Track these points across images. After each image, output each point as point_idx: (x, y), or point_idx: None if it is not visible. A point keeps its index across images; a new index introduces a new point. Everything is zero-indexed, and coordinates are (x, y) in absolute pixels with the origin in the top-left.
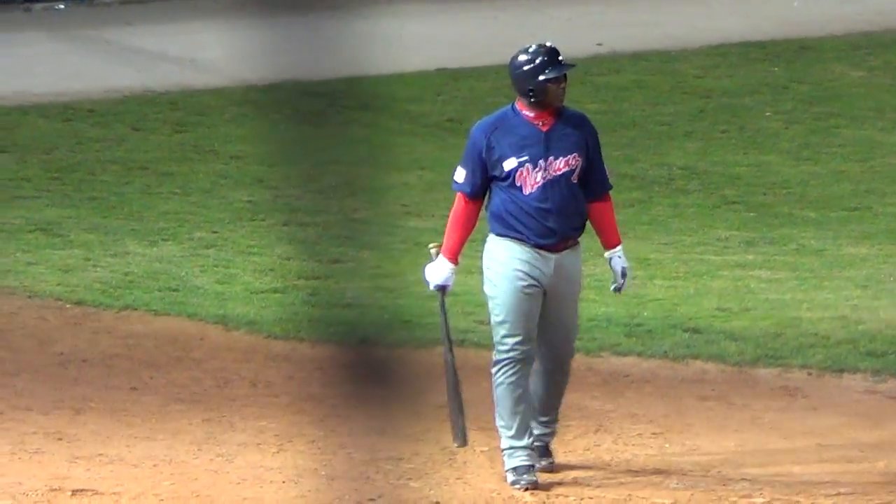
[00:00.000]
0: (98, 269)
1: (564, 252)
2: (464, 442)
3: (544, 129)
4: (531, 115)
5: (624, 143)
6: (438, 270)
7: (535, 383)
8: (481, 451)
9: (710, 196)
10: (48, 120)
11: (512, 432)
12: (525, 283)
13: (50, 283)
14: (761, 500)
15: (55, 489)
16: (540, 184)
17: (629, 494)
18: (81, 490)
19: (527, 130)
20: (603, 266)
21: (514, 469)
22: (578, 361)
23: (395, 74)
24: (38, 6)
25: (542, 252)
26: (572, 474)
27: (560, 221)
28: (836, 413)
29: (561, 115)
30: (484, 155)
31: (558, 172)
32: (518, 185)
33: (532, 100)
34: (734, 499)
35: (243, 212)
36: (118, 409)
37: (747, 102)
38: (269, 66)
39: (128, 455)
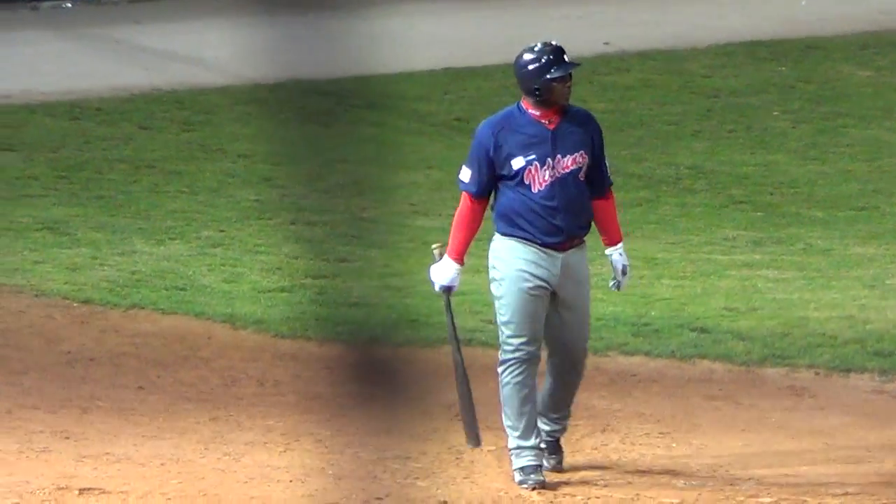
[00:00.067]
0: (105, 267)
1: (571, 251)
2: (477, 442)
3: (551, 127)
4: (537, 113)
5: (631, 143)
6: (444, 271)
7: (548, 381)
8: (489, 451)
9: (718, 195)
10: (55, 118)
11: (519, 432)
12: (531, 284)
13: (57, 281)
14: (768, 499)
15: (62, 488)
16: (548, 182)
17: (636, 494)
18: (88, 489)
19: (534, 129)
20: (609, 265)
21: (522, 469)
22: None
23: (402, 73)
24: (45, 4)
25: (549, 251)
26: (580, 473)
27: (568, 219)
28: (844, 413)
29: (567, 114)
30: (492, 154)
31: (566, 170)
32: (527, 183)
33: (538, 98)
34: (741, 498)
35: (251, 210)
36: (125, 408)
37: (755, 102)
38: (276, 65)
39: (135, 454)
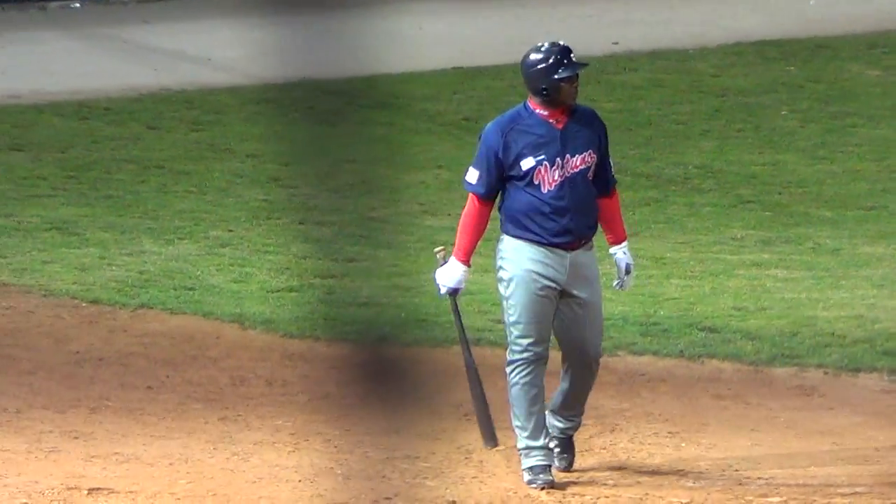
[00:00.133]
0: (114, 267)
1: (579, 250)
2: (494, 442)
3: (559, 126)
4: (545, 113)
5: (640, 142)
6: (451, 273)
7: (562, 380)
8: (497, 450)
9: (726, 195)
10: (64, 118)
11: (528, 433)
12: (539, 285)
13: (66, 281)
14: (777, 499)
15: (71, 488)
16: (558, 182)
17: (645, 493)
18: (97, 489)
19: (542, 129)
20: (614, 265)
21: (531, 469)
22: None
23: (411, 73)
24: (53, 4)
25: (557, 250)
26: (588, 473)
27: (577, 219)
28: (853, 412)
29: (574, 113)
30: (500, 155)
31: (575, 170)
32: (536, 183)
33: (545, 98)
34: (750, 498)
35: (259, 210)
36: (134, 408)
37: (763, 101)
38: (285, 65)
39: (144, 454)
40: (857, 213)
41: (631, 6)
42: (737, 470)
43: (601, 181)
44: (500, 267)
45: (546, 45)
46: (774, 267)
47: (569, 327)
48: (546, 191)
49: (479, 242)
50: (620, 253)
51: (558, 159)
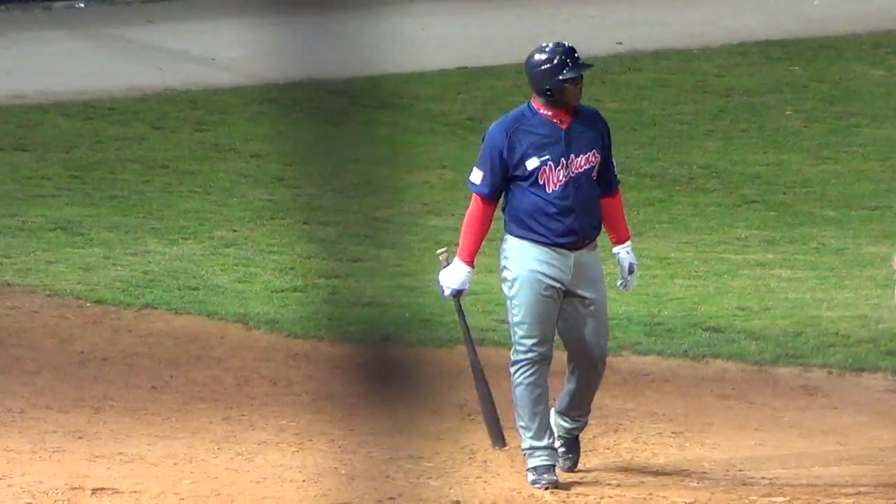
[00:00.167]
0: (118, 267)
1: (583, 250)
2: (503, 443)
3: (563, 126)
4: (549, 113)
5: (644, 142)
6: (455, 274)
7: (568, 381)
8: (501, 450)
9: (731, 195)
10: (68, 118)
11: (532, 433)
12: (543, 285)
13: (70, 281)
14: (781, 499)
15: (75, 488)
16: (562, 182)
17: (649, 493)
18: (101, 489)
19: (547, 129)
20: (617, 265)
21: (535, 468)
22: None
23: (415, 73)
24: (58, 4)
25: (561, 250)
26: (592, 473)
27: (581, 219)
28: (857, 412)
29: (577, 113)
30: (505, 155)
31: (580, 170)
32: (541, 183)
33: (549, 99)
34: (754, 498)
35: (263, 210)
36: (138, 408)
37: (768, 101)
38: (289, 65)
39: (148, 454)
40: (861, 212)
41: (635, 6)
42: (741, 470)
43: (604, 181)
44: (504, 267)
45: (550, 45)
46: (778, 267)
47: (573, 327)
48: (551, 191)
49: (482, 243)
50: (624, 252)
51: (563, 159)
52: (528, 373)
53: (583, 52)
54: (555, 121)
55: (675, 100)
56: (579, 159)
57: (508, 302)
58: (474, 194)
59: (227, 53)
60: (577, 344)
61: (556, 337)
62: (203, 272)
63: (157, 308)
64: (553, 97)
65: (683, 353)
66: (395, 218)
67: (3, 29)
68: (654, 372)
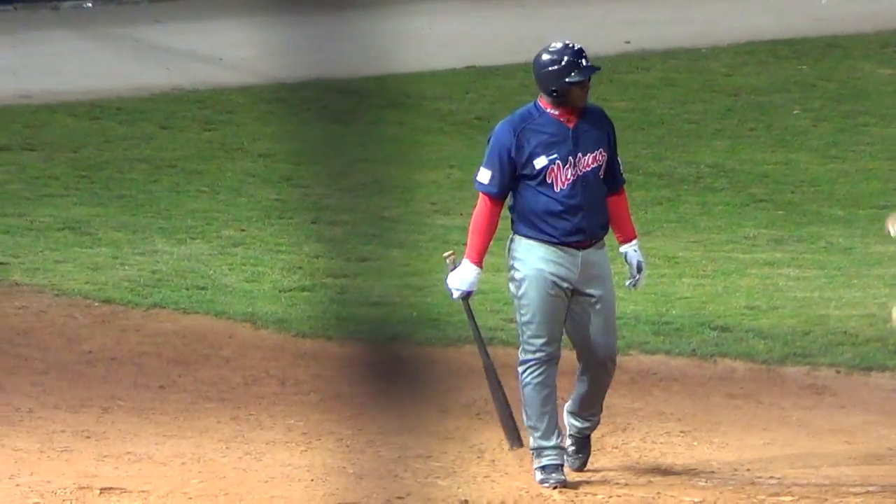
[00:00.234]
0: (126, 267)
1: (590, 249)
2: (520, 444)
3: (570, 125)
4: (556, 112)
5: (652, 141)
6: (463, 275)
7: (578, 381)
8: (509, 450)
9: (739, 194)
10: (76, 118)
11: (540, 432)
12: (551, 285)
13: (78, 281)
14: (789, 498)
15: (83, 487)
16: (570, 180)
17: (657, 493)
18: (109, 488)
19: (554, 128)
20: (625, 264)
21: (543, 468)
22: None
23: (423, 72)
24: (65, 4)
25: (569, 249)
26: (600, 472)
27: (589, 217)
28: (865, 411)
29: (584, 111)
30: (513, 154)
31: (587, 168)
32: (549, 182)
33: (555, 99)
34: (762, 497)
35: (271, 210)
36: (146, 408)
37: (776, 100)
38: (297, 64)
39: (156, 453)
40: (869, 211)
41: (643, 5)
42: (749, 469)
43: (610, 179)
44: (512, 267)
45: (558, 46)
46: (787, 266)
47: (581, 326)
48: (559, 189)
49: (491, 243)
50: (631, 251)
51: (570, 158)
52: (536, 372)
53: (591, 51)
54: (562, 119)
55: (683, 99)
56: (587, 158)
57: (516, 301)
58: (482, 194)
59: (234, 53)
60: (586, 343)
61: (565, 336)
62: (211, 272)
63: (165, 307)
64: (559, 98)
65: (691, 352)
66: (404, 217)
67: (10, 29)
68: (662, 371)
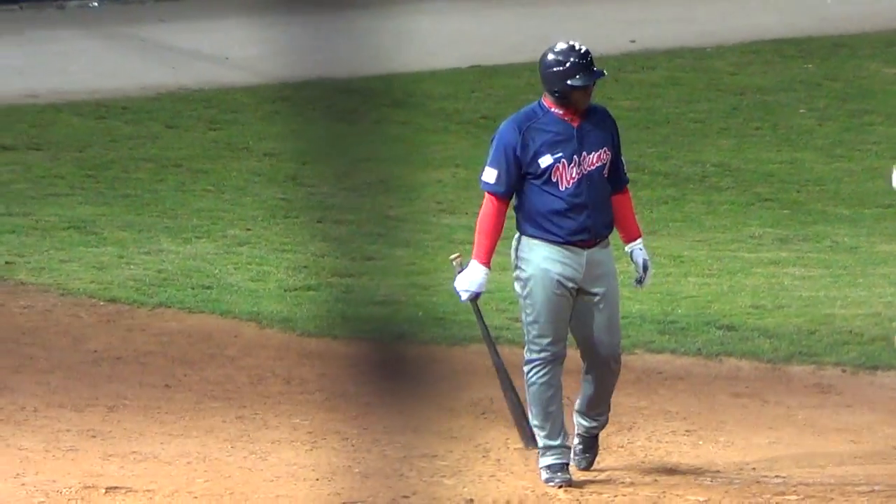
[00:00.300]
0: (132, 266)
1: (595, 248)
2: (534, 443)
3: (575, 124)
4: (560, 111)
5: (657, 140)
6: (472, 276)
7: (584, 381)
8: (515, 449)
9: (744, 193)
10: (82, 117)
11: (546, 432)
12: (557, 284)
13: (84, 280)
14: (795, 497)
15: (89, 486)
16: (575, 179)
17: (663, 492)
18: (115, 487)
19: (558, 127)
20: (631, 264)
21: (548, 467)
22: None
23: (428, 71)
24: (71, 3)
25: (574, 248)
26: (606, 472)
27: (594, 216)
28: (870, 410)
29: (588, 111)
30: (519, 152)
31: (592, 167)
32: (554, 181)
33: (558, 100)
34: (768, 496)
35: (277, 209)
36: (152, 407)
37: (781, 99)
38: (302, 64)
39: (161, 452)
40: (874, 210)
41: (649, 5)
42: (754, 468)
43: (614, 179)
44: (517, 266)
45: (564, 47)
46: (792, 265)
47: (585, 325)
48: (564, 188)
49: (498, 243)
50: (637, 249)
51: (575, 157)
52: (541, 372)
53: (596, 50)
54: (566, 119)
55: (688, 98)
56: (591, 156)
57: (522, 301)
58: (488, 194)
59: (240, 52)
60: (589, 342)
61: (570, 335)
62: (216, 271)
63: (170, 307)
64: (561, 99)
65: (697, 351)
66: (409, 216)
67: (16, 28)
68: (668, 370)
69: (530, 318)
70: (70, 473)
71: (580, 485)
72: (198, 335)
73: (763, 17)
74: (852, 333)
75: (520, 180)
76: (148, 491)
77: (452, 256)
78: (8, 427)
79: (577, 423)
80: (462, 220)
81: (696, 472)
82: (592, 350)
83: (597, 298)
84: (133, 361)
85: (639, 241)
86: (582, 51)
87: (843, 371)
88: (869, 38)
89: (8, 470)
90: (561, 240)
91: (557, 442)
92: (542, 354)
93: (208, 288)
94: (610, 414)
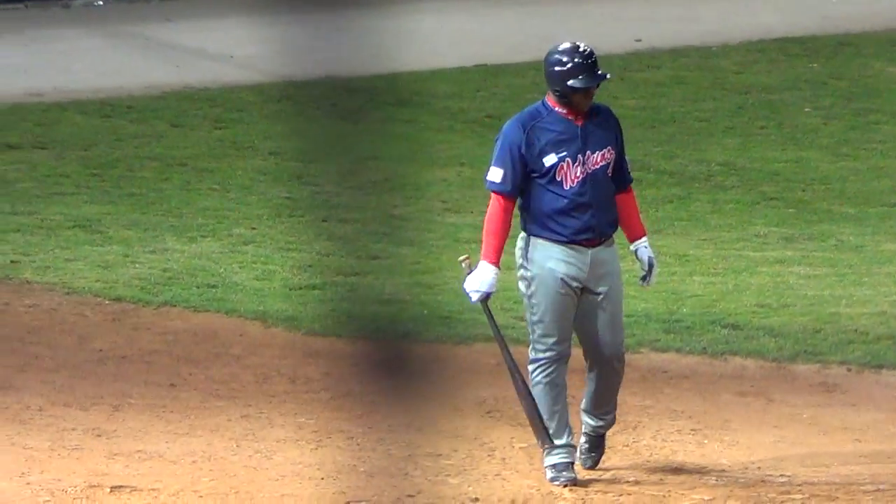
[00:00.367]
0: (137, 265)
1: (600, 247)
2: (550, 442)
3: (579, 123)
4: (563, 111)
5: (663, 139)
6: (482, 277)
7: (588, 381)
8: (520, 448)
9: (749, 192)
10: (87, 116)
11: (551, 431)
12: (561, 284)
13: (89, 279)
14: (800, 496)
15: (94, 485)
16: (580, 178)
17: (668, 491)
18: (120, 486)
19: (562, 126)
20: (637, 262)
21: (553, 466)
22: None
23: (434, 70)
24: (77, 2)
25: (578, 247)
26: (611, 471)
27: (599, 215)
28: (876, 409)
29: (591, 110)
30: (524, 150)
31: (596, 166)
32: (558, 180)
33: (559, 99)
34: (773, 495)
35: (282, 208)
36: (157, 406)
37: (786, 98)
38: (308, 63)
39: (167, 451)
40: (880, 209)
41: (654, 4)
42: (759, 467)
43: (618, 178)
44: (522, 266)
45: (568, 46)
46: (797, 264)
47: (588, 324)
48: (568, 187)
49: (506, 243)
50: (642, 248)
51: (580, 156)
52: (546, 371)
53: (601, 49)
54: (569, 118)
55: (693, 97)
56: (595, 155)
57: (526, 300)
58: (494, 194)
59: (244, 51)
60: (592, 340)
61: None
62: (222, 270)
63: (175, 306)
64: (562, 98)
65: (702, 350)
66: (414, 215)
67: (21, 27)
68: (673, 369)
69: (535, 318)
70: (75, 472)
71: (585, 484)
72: (203, 334)
73: (767, 15)
74: (857, 332)
75: (525, 179)
76: (153, 490)
77: (461, 258)
78: (13, 426)
79: (584, 421)
80: (467, 219)
81: (702, 470)
82: (596, 349)
83: (600, 297)
84: (138, 360)
85: (644, 239)
86: (586, 52)
87: (849, 370)
88: (874, 36)
89: (13, 469)
90: (565, 239)
91: (562, 441)
92: (547, 354)
93: (213, 287)
94: (616, 413)
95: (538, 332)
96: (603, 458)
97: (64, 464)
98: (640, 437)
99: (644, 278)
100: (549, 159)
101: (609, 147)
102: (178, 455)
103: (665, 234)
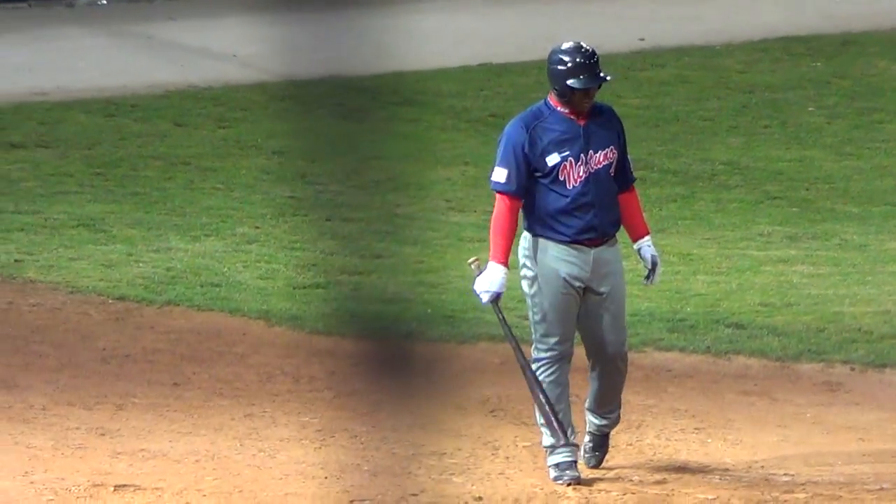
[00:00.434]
0: (140, 264)
1: (602, 247)
2: (566, 440)
3: (581, 122)
4: (566, 110)
5: (666, 139)
6: (492, 277)
7: (592, 380)
8: (524, 447)
9: (753, 191)
10: (91, 115)
11: (553, 430)
12: (564, 284)
13: (92, 278)
14: (804, 495)
15: (97, 484)
16: (583, 178)
17: (671, 490)
18: (123, 485)
19: (565, 125)
20: (640, 262)
21: (557, 465)
22: None
23: (438, 69)
24: (81, 1)
25: (581, 247)
26: (615, 469)
27: (601, 215)
28: (879, 408)
29: (593, 109)
30: (527, 150)
31: (599, 166)
32: (561, 179)
33: (560, 98)
34: (776, 494)
35: (286, 207)
36: (160, 405)
37: (790, 97)
38: (311, 62)
39: (170, 450)
40: (883, 208)
41: (657, 3)
42: (763, 466)
43: (620, 178)
44: (524, 265)
45: (571, 46)
46: (801, 263)
47: (591, 323)
48: (571, 187)
49: (513, 242)
50: (645, 246)
51: (582, 155)
52: (548, 371)
53: (605, 48)
54: (572, 117)
55: (697, 96)
56: (598, 155)
57: (529, 300)
58: (499, 194)
59: (248, 50)
60: (595, 340)
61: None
62: (225, 269)
63: (179, 305)
64: (562, 97)
65: (706, 349)
66: (418, 214)
67: (25, 26)
68: (677, 368)
69: (537, 318)
70: (79, 471)
71: (589, 483)
72: (206, 333)
73: (771, 14)
74: (861, 331)
75: (530, 179)
76: (156, 489)
77: (470, 260)
78: (17, 425)
79: (588, 420)
80: (471, 218)
81: (705, 469)
82: (599, 349)
83: (603, 297)
84: (142, 359)
85: (647, 238)
86: (588, 52)
87: (852, 369)
88: (877, 35)
89: (17, 468)
90: (568, 239)
91: (565, 440)
92: (550, 353)
93: (217, 286)
94: (621, 412)
95: (540, 331)
96: (606, 456)
97: (67, 463)
98: (644, 436)
99: (647, 277)
100: (552, 159)
101: (612, 146)
102: (181, 454)
103: (669, 233)
